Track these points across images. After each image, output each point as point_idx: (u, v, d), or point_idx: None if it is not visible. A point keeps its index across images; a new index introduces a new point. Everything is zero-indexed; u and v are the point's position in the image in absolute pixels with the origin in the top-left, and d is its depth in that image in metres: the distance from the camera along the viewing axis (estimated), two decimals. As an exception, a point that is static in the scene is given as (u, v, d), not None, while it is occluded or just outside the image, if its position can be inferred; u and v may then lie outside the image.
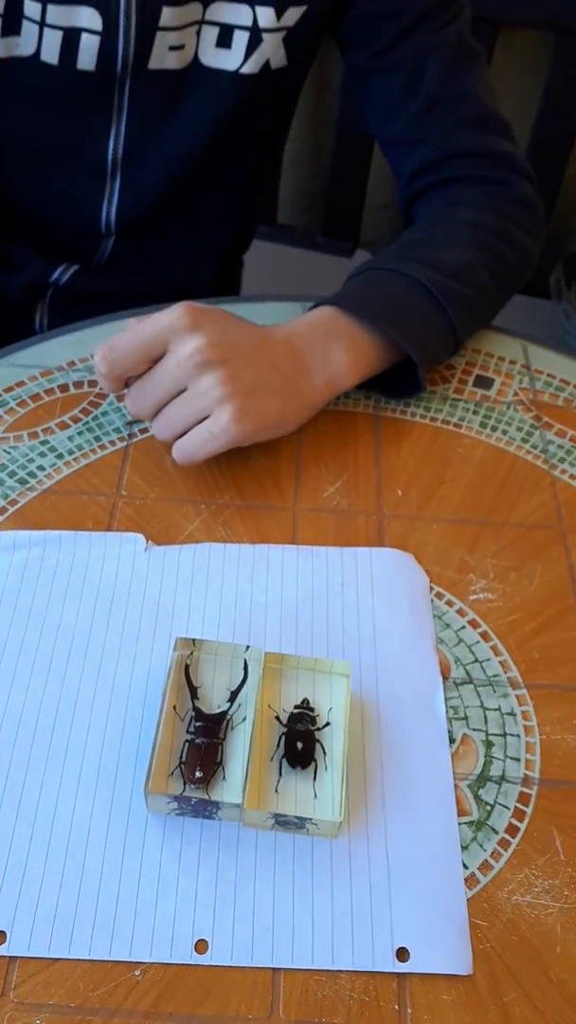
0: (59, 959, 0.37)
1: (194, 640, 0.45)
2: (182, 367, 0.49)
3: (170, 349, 0.50)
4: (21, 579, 0.49)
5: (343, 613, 0.48)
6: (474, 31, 1.00)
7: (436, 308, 0.58)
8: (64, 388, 0.59)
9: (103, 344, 0.50)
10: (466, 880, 0.39)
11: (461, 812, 0.41)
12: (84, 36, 0.61)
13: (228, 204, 0.76)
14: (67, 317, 0.78)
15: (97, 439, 0.56)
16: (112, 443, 0.56)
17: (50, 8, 0.60)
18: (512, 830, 0.41)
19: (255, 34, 0.63)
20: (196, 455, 0.51)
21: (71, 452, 0.55)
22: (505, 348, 0.65)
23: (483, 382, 0.62)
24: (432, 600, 0.49)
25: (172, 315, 0.49)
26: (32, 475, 0.53)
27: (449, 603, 0.49)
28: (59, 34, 0.61)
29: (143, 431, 0.57)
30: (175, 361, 0.49)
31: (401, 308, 0.57)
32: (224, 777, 0.41)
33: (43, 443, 0.55)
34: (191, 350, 0.49)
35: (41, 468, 0.54)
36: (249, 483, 0.55)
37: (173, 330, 0.49)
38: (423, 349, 0.57)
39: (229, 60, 0.64)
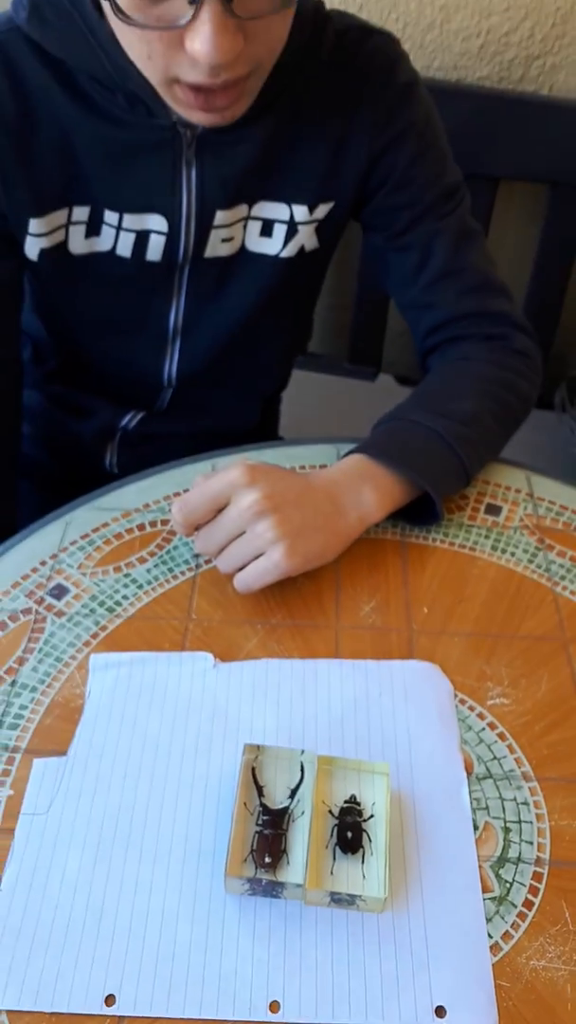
0: (159, 1017, 0.45)
1: (258, 746, 0.54)
2: (243, 516, 0.60)
3: (232, 501, 0.61)
4: (113, 694, 0.59)
5: (381, 719, 0.58)
6: (477, 186, 1.15)
7: (449, 451, 0.69)
8: (141, 527, 0.70)
9: (179, 499, 0.62)
10: (491, 948, 0.47)
11: (485, 889, 0.49)
12: (152, 236, 0.75)
13: (270, 358, 0.89)
14: (132, 454, 0.91)
15: (170, 570, 0.67)
16: (183, 573, 0.67)
17: (126, 216, 0.73)
18: (528, 904, 0.49)
19: (292, 226, 0.77)
20: (253, 585, 0.62)
21: (149, 583, 0.66)
22: (511, 479, 0.75)
23: (493, 510, 0.73)
24: (456, 705, 0.59)
25: (234, 473, 0.61)
26: (118, 604, 0.64)
27: (471, 708, 0.59)
28: (132, 235, 0.74)
29: (207, 561, 0.67)
30: (237, 511, 0.60)
31: (419, 453, 0.68)
32: (288, 862, 0.50)
33: (126, 575, 0.66)
34: (250, 502, 0.60)
35: (125, 597, 0.65)
36: (297, 605, 0.65)
37: (235, 486, 0.61)
38: (439, 486, 0.68)
39: (270, 247, 0.78)
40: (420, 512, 0.70)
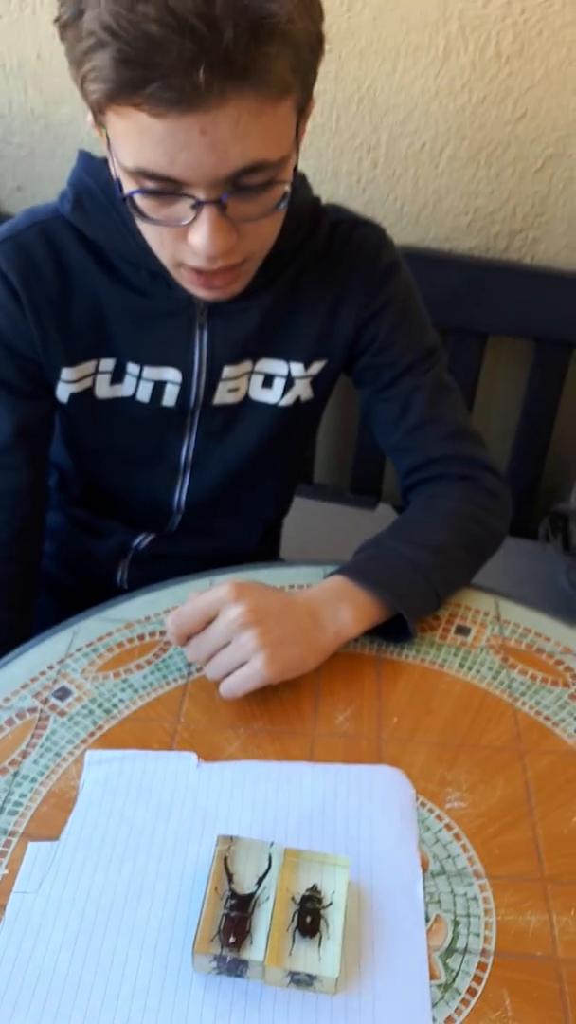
0: None
1: (231, 837, 0.60)
2: (229, 627, 0.68)
3: (220, 614, 0.69)
4: (104, 787, 0.65)
5: (347, 818, 0.63)
6: (468, 340, 1.28)
7: (422, 577, 0.77)
8: (141, 637, 0.78)
9: (174, 612, 0.70)
10: (434, 1031, 0.51)
11: (433, 976, 0.53)
12: (168, 385, 0.86)
13: (272, 490, 1.00)
14: (142, 571, 1.00)
15: (164, 677, 0.74)
16: (175, 680, 0.74)
17: (146, 368, 0.85)
18: (472, 992, 0.53)
19: (289, 380, 0.88)
20: (237, 691, 0.69)
21: (144, 688, 0.73)
22: (480, 602, 0.83)
23: (462, 630, 0.80)
24: (417, 808, 0.64)
25: (223, 590, 0.69)
26: (115, 706, 0.71)
27: (430, 810, 0.64)
28: (151, 384, 0.86)
29: (198, 670, 0.75)
30: (224, 623, 0.68)
31: (395, 578, 0.76)
32: (252, 942, 0.54)
33: (124, 681, 0.73)
34: (236, 615, 0.68)
35: (122, 700, 0.72)
36: (277, 712, 0.71)
37: (223, 601, 0.69)
38: (412, 608, 0.76)
39: (271, 396, 0.89)
40: (395, 631, 0.77)
